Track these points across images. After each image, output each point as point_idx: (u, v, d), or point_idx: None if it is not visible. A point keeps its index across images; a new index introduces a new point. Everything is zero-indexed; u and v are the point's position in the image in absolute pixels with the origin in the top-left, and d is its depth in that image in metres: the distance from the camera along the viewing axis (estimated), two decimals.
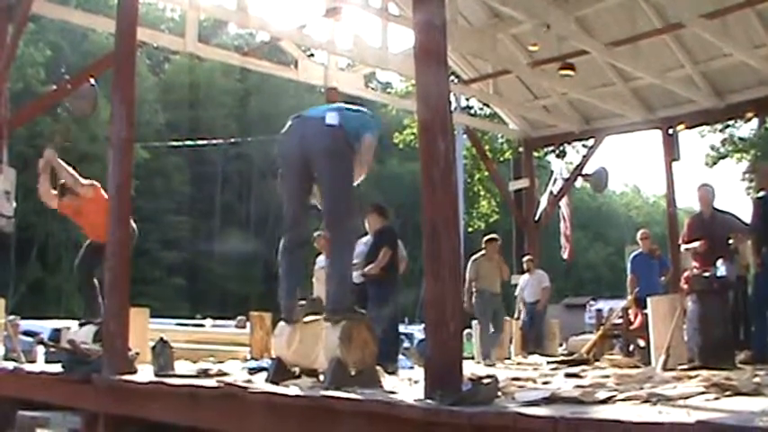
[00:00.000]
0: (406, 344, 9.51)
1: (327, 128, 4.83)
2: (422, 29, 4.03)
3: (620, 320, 10.12)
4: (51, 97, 11.18)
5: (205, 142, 37.00)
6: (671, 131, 12.89)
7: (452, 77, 13.52)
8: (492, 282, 10.58)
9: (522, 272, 13.22)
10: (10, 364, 6.88)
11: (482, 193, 23.10)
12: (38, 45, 36.70)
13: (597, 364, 8.49)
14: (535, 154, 15.88)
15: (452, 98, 12.59)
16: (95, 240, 7.57)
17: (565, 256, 16.10)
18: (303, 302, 5.06)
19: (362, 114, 5.14)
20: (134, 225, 6.90)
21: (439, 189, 3.80)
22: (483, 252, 10.79)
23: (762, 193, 8.17)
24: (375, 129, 5.08)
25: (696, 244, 8.44)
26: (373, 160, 5.19)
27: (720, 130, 25.67)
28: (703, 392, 3.92)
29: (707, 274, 7.62)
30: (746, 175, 26.65)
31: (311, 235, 5.67)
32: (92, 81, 9.23)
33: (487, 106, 18.86)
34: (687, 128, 13.28)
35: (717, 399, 3.74)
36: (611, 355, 9.23)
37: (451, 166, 3.88)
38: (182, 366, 6.06)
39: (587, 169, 14.81)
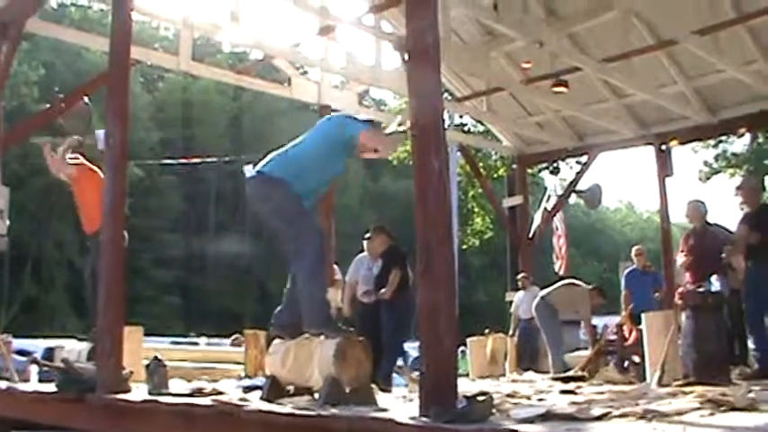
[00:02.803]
0: (399, 361, 9.42)
1: (248, 181, 5.08)
2: (415, 46, 4.05)
3: (615, 337, 10.12)
4: (45, 116, 11.17)
5: (199, 160, 36.93)
6: (664, 147, 12.92)
7: (446, 95, 13.56)
8: None
9: (517, 289, 13.21)
10: (3, 384, 6.84)
11: (476, 209, 23.07)
12: (32, 63, 36.62)
13: (592, 380, 8.49)
14: (529, 170, 15.88)
15: (446, 115, 12.65)
16: (92, 236, 7.53)
17: (557, 269, 16.11)
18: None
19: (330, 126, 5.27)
20: (125, 234, 6.86)
21: (432, 206, 3.80)
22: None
23: (746, 209, 8.16)
24: (354, 129, 5.14)
25: (682, 257, 8.54)
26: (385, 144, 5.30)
27: (713, 146, 25.73)
28: (698, 408, 3.91)
29: (701, 289, 7.63)
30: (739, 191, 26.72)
31: None
32: (86, 99, 9.25)
33: (481, 123, 18.89)
34: (680, 144, 13.34)
35: (712, 414, 3.73)
36: (606, 371, 9.22)
37: (445, 183, 3.89)
38: (176, 385, 6.03)
39: (581, 186, 14.86)
